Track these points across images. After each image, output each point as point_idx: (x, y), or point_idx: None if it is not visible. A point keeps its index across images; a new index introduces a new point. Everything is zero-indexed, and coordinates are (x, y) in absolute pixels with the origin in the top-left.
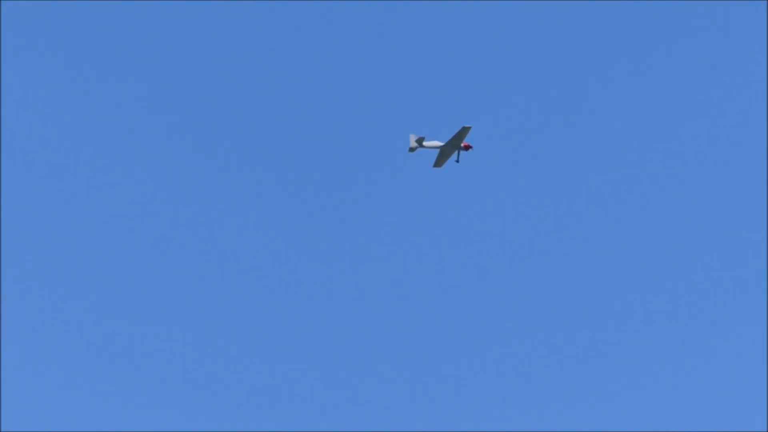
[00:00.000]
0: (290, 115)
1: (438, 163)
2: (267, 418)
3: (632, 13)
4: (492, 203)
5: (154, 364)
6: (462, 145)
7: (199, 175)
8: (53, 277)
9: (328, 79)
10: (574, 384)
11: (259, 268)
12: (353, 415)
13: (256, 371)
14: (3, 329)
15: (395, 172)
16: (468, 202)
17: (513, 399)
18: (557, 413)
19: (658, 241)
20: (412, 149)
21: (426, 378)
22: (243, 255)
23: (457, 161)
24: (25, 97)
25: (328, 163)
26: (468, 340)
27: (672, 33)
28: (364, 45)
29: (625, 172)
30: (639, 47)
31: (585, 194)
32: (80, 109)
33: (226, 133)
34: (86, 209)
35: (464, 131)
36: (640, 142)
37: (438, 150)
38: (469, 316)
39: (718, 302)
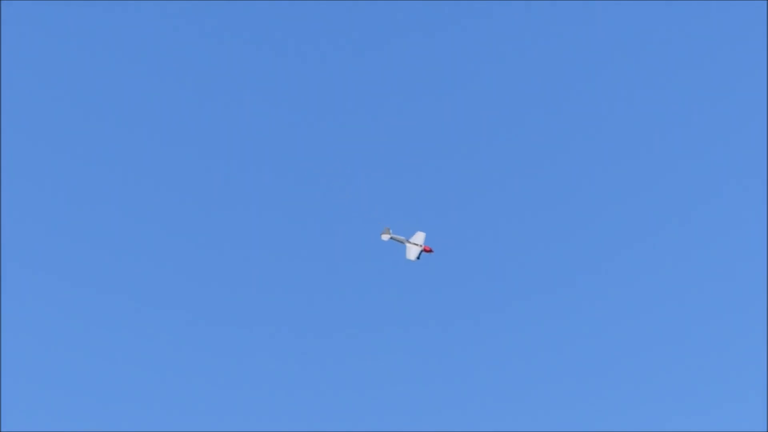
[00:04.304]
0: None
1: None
2: (267, 418)
3: (632, 13)
4: (489, 201)
5: (154, 364)
6: (423, 248)
7: (198, 176)
8: (53, 277)
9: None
10: (573, 384)
11: (258, 268)
12: (353, 416)
13: (256, 371)
14: (3, 329)
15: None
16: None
17: (512, 399)
18: (556, 413)
19: (657, 242)
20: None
21: (425, 378)
22: (242, 255)
23: (418, 258)
24: (25, 97)
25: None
26: (467, 340)
27: (672, 33)
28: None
29: (624, 172)
30: (639, 47)
31: (583, 193)
32: (80, 109)
33: (224, 133)
34: (86, 209)
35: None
36: (639, 143)
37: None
38: (467, 316)
39: (718, 302)
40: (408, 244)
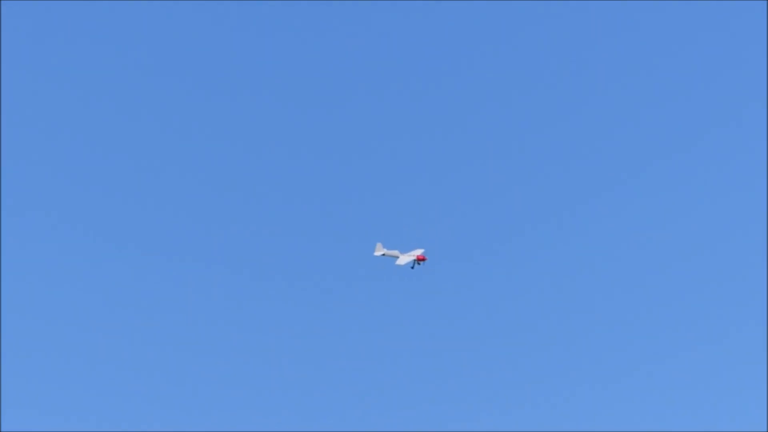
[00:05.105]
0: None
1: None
2: (267, 418)
3: (632, 13)
4: (489, 201)
5: (154, 364)
6: (417, 258)
7: (197, 176)
8: (53, 277)
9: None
10: (572, 384)
11: (260, 268)
12: (353, 416)
13: (256, 371)
14: (3, 329)
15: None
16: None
17: (513, 399)
18: (555, 413)
19: (658, 242)
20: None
21: (426, 378)
22: (243, 256)
23: (413, 267)
24: (25, 97)
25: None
26: (467, 340)
27: (672, 33)
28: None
29: (624, 172)
30: (639, 47)
31: (583, 194)
32: (80, 109)
33: (223, 133)
34: (85, 209)
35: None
36: (639, 143)
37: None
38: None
39: (718, 302)
40: (401, 256)
